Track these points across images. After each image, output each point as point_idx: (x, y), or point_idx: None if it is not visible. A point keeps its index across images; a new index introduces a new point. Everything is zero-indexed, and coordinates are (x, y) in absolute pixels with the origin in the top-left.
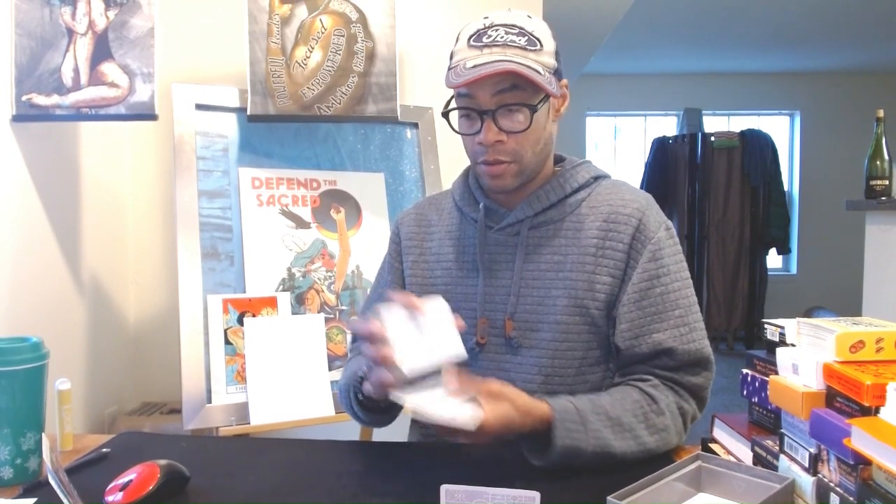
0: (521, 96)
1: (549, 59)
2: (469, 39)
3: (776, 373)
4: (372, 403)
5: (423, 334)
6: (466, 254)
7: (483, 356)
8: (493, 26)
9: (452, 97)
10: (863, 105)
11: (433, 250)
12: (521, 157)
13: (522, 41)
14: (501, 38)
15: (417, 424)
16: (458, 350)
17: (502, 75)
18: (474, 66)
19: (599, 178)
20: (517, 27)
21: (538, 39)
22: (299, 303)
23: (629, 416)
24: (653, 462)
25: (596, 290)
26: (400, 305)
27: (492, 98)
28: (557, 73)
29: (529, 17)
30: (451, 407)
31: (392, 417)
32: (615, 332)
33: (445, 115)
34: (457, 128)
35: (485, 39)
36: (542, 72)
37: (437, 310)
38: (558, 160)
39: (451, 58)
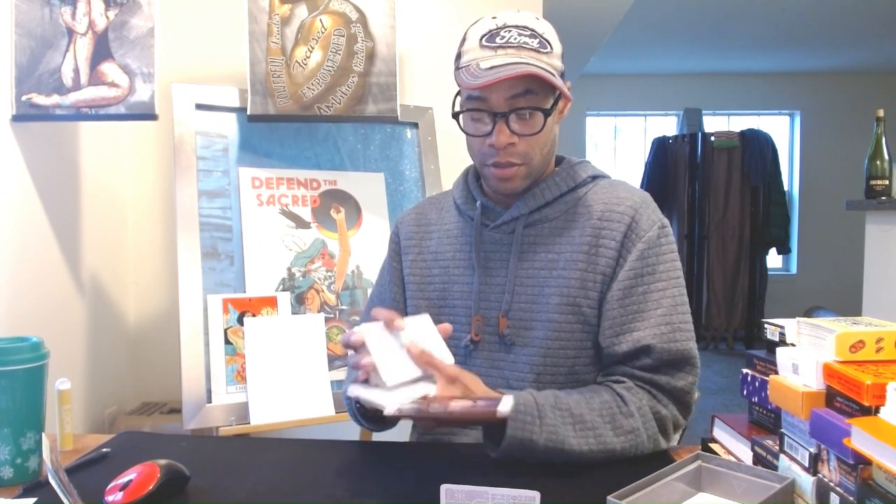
0: (534, 100)
1: (558, 61)
2: (481, 39)
3: (776, 373)
4: (368, 411)
5: (404, 349)
6: (463, 252)
7: (477, 353)
8: (505, 27)
9: (457, 96)
10: (863, 105)
11: (431, 249)
12: (530, 160)
13: (535, 43)
14: (515, 39)
15: (417, 424)
16: (444, 357)
17: (518, 78)
18: (491, 68)
19: (597, 177)
20: (529, 29)
21: (548, 42)
22: (299, 302)
23: (594, 414)
24: (651, 462)
25: (588, 288)
26: (380, 324)
27: (506, 101)
28: (563, 75)
29: (537, 18)
30: (398, 394)
31: (394, 423)
32: (599, 330)
33: (456, 116)
34: (465, 128)
35: (498, 40)
36: (555, 74)
37: (420, 324)
38: (558, 160)
39: (460, 57)
